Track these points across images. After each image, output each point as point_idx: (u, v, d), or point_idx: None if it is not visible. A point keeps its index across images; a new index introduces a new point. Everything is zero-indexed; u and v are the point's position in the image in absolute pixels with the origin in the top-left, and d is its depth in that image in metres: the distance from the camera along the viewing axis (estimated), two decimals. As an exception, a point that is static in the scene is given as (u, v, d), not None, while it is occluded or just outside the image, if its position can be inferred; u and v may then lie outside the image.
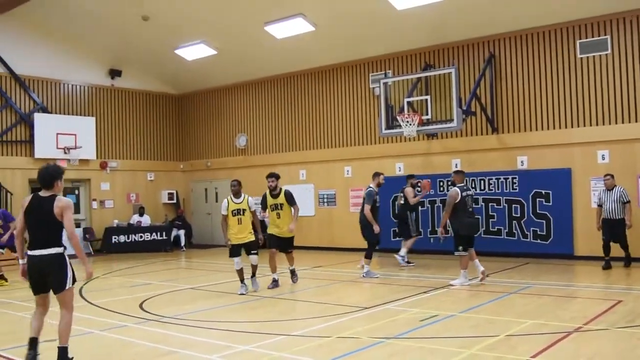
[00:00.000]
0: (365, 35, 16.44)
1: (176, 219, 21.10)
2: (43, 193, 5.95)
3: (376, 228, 11.70)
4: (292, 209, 11.10)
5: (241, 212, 10.40)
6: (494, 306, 9.07)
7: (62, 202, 5.86)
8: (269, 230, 11.12)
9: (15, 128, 18.28)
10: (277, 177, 11.00)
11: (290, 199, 10.95)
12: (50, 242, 5.82)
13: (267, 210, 11.01)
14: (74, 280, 5.96)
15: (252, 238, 10.58)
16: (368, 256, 11.97)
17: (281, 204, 10.93)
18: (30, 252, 5.82)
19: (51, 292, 5.93)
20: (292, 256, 11.36)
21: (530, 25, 14.89)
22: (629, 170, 13.53)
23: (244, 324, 8.23)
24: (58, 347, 5.84)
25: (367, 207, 11.79)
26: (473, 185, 15.20)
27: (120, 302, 10.01)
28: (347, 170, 17.98)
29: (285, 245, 11.15)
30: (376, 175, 12.21)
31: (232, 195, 10.55)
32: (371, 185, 12.09)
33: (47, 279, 5.84)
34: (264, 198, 11.05)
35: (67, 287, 5.85)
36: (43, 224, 5.85)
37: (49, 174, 5.96)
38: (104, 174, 20.23)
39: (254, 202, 10.70)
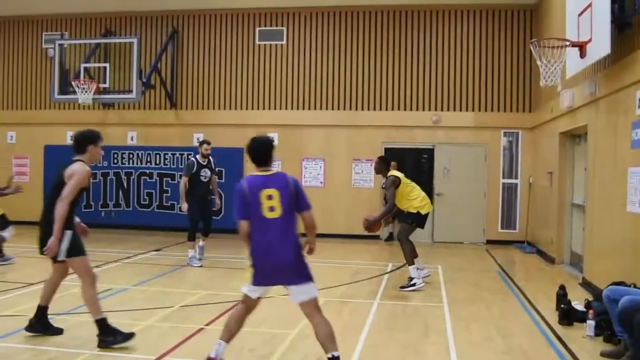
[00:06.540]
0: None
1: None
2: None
3: (183, 206, 10.74)
4: None
5: None
6: (168, 279, 9.67)
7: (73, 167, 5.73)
8: None
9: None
10: None
11: None
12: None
13: None
14: (74, 254, 5.78)
15: None
16: (189, 238, 10.87)
17: None
18: None
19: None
20: None
21: (214, 6, 15.45)
22: (295, 153, 14.90)
23: None
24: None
25: (183, 179, 10.87)
26: (148, 160, 15.60)
27: None
28: (10, 136, 16.84)
29: None
30: (200, 143, 11.13)
31: None
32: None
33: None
34: None
35: (59, 258, 5.78)
36: (51, 186, 5.93)
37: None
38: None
39: None
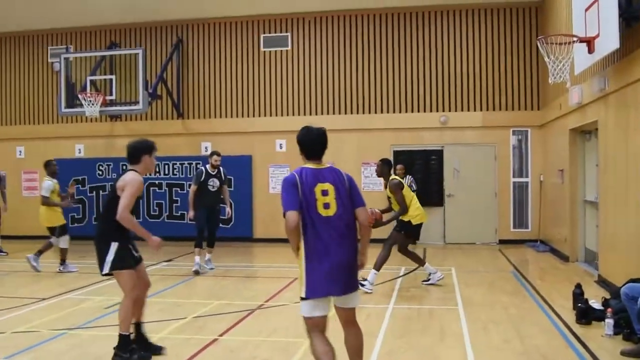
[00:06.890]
0: (44, 4, 15.43)
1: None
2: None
3: (190, 213, 10.82)
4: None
5: None
6: (181, 289, 9.63)
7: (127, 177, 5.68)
8: None
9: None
10: None
11: None
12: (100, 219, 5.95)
13: None
14: (119, 267, 5.62)
15: None
16: (196, 245, 10.95)
17: None
18: None
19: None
20: None
21: (217, 14, 15.51)
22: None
23: None
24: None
25: (192, 187, 10.93)
26: (157, 170, 15.59)
27: None
28: (20, 151, 16.92)
29: None
30: (210, 155, 11.19)
31: None
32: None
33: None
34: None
35: (103, 272, 5.69)
36: (105, 197, 6.04)
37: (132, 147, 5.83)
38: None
39: None
